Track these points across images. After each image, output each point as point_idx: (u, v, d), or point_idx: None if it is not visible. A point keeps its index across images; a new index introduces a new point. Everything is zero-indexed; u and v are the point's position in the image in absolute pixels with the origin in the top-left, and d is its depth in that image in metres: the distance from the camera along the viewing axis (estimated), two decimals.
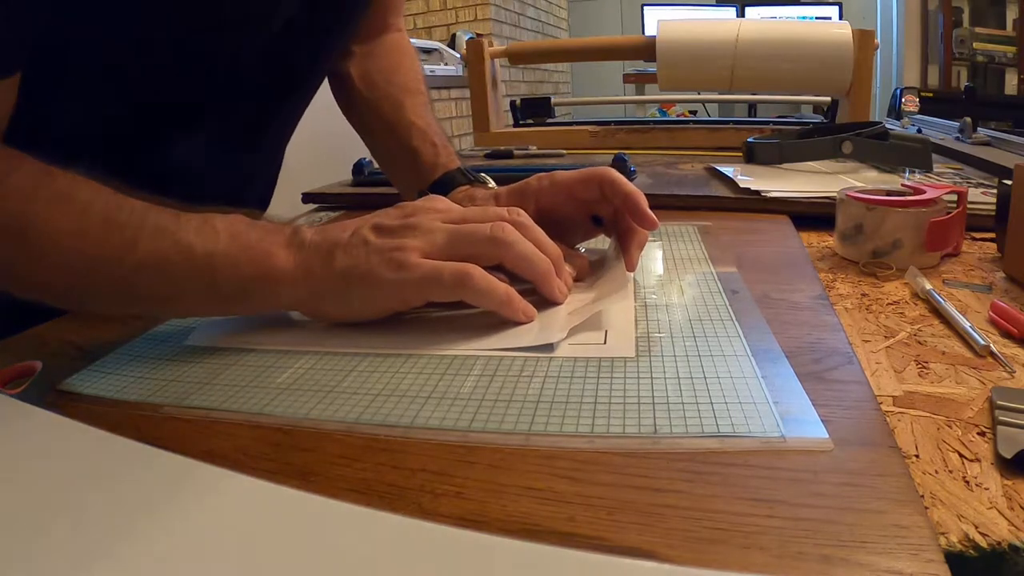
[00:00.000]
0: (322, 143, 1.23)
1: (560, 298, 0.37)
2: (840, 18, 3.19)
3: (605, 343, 0.34)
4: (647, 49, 1.06)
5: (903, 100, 1.33)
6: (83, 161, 0.34)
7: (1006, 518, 0.21)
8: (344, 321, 0.37)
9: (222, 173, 0.55)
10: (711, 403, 0.27)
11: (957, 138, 1.02)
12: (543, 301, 0.38)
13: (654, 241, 0.47)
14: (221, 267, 0.34)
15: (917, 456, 0.25)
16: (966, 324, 0.35)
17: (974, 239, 0.54)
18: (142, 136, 0.47)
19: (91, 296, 0.35)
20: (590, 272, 0.43)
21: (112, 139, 0.46)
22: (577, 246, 0.49)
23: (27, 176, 0.33)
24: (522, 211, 0.38)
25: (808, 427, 0.26)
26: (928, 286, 0.41)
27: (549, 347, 0.33)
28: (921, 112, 1.32)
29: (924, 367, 0.32)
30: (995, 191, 0.50)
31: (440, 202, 0.39)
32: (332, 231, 0.36)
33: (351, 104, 0.63)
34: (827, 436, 0.25)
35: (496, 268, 0.36)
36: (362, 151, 0.68)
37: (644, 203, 0.41)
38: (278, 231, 0.36)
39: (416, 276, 0.34)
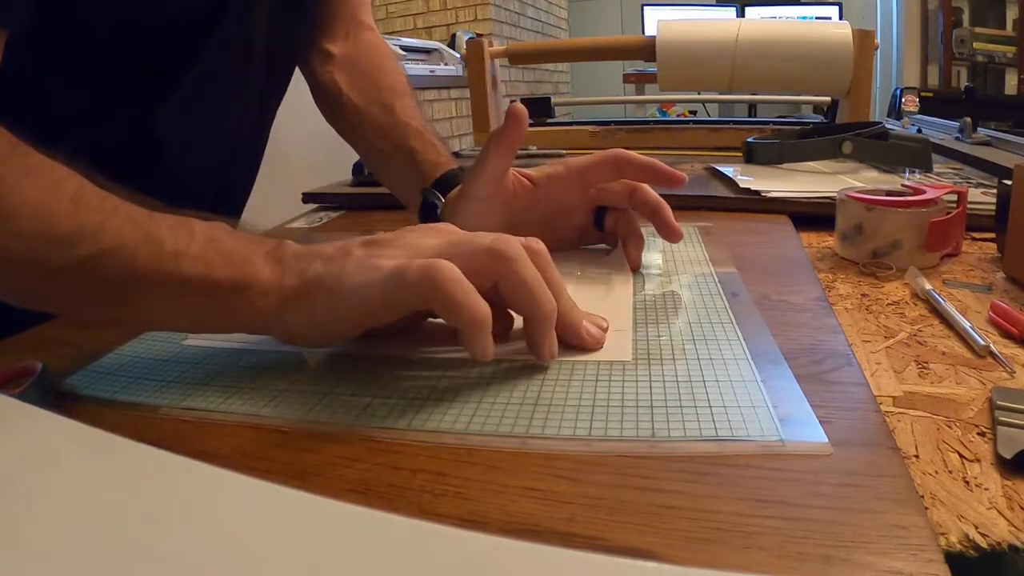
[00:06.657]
0: (322, 143, 1.22)
1: (547, 358, 0.31)
2: (840, 18, 3.19)
3: (602, 347, 0.33)
4: (647, 49, 1.06)
5: (903, 100, 1.33)
6: (64, 140, 0.32)
7: (1006, 518, 0.21)
8: (314, 343, 0.34)
9: (196, 150, 0.55)
10: (710, 407, 0.27)
11: (957, 138, 1.02)
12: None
13: (655, 240, 0.47)
14: (191, 269, 0.31)
15: (917, 456, 0.25)
16: (966, 324, 0.35)
17: (974, 239, 0.54)
18: (117, 105, 0.47)
19: (45, 283, 0.31)
20: (591, 265, 0.45)
21: (90, 113, 0.45)
22: (581, 248, 0.50)
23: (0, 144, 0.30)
24: (541, 241, 0.33)
25: (807, 431, 0.26)
26: (928, 286, 0.41)
27: None
28: (921, 112, 1.32)
29: (924, 367, 0.32)
30: (995, 191, 0.50)
31: (447, 226, 0.35)
32: (319, 246, 0.34)
33: (338, 111, 0.62)
34: (827, 440, 0.25)
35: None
36: None
37: (662, 168, 0.44)
38: (260, 242, 0.34)
39: (380, 277, 0.30)
